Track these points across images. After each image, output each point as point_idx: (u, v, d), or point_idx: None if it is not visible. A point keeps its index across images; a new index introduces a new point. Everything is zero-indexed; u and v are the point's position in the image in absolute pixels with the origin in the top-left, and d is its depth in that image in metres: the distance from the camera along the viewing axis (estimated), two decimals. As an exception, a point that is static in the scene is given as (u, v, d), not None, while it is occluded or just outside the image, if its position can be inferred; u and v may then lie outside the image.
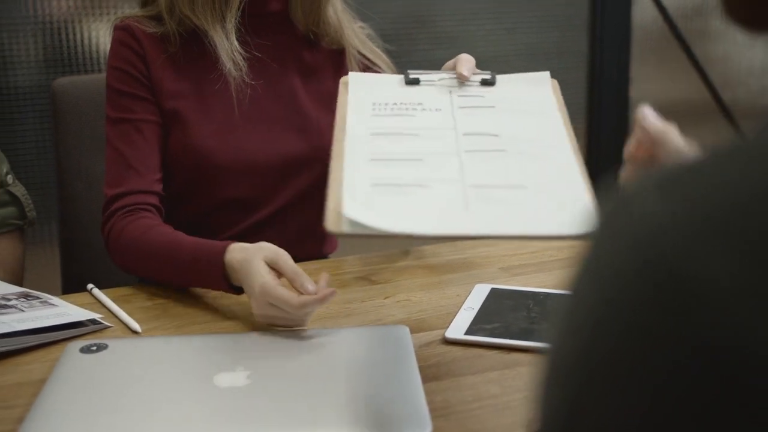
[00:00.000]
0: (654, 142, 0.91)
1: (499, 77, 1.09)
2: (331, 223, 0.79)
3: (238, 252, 1.12)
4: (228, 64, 1.29)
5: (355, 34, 1.39)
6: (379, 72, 1.39)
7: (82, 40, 2.12)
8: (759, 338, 0.28)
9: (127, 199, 1.29)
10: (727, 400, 0.29)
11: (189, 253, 1.18)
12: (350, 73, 1.05)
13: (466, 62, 1.08)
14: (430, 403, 0.90)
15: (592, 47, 2.43)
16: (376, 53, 1.40)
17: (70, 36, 2.11)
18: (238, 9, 1.29)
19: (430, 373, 0.98)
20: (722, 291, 0.29)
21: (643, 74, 2.50)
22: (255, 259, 1.07)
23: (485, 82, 1.07)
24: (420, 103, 1.01)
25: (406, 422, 0.86)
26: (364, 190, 0.85)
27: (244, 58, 1.30)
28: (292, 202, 1.39)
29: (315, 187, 1.41)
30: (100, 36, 2.12)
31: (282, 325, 1.07)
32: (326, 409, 0.89)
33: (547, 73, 1.10)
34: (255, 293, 1.06)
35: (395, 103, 1.01)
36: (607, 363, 0.32)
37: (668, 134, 0.91)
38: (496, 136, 0.97)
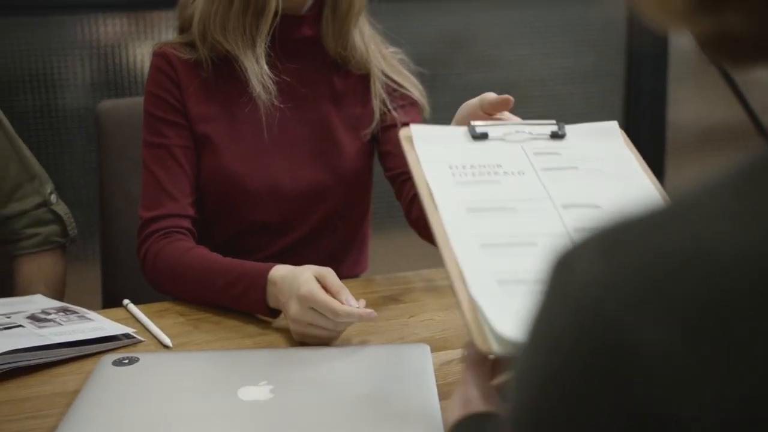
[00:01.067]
0: None
1: (567, 128, 1.01)
2: (479, 342, 0.73)
3: (282, 269, 1.16)
4: (258, 88, 1.33)
5: (383, 57, 1.42)
6: (408, 94, 1.42)
7: (127, 64, 2.19)
8: (687, 410, 0.29)
9: (162, 223, 1.34)
10: None
11: (228, 274, 1.22)
12: (411, 126, 0.97)
13: (504, 104, 1.04)
14: (445, 420, 0.92)
15: (629, 70, 2.44)
16: (404, 76, 1.43)
17: (117, 60, 2.18)
18: (268, 34, 1.33)
19: (448, 391, 1.00)
20: (654, 361, 0.30)
21: (680, 97, 2.50)
22: (305, 271, 1.12)
23: (554, 135, 0.99)
24: (499, 165, 0.94)
25: (421, 437, 0.89)
26: (493, 291, 0.78)
27: (274, 82, 1.34)
28: (320, 226, 1.43)
29: (343, 211, 1.44)
30: (145, 60, 2.19)
31: (313, 336, 1.10)
32: (345, 424, 0.92)
33: (615, 124, 1.03)
34: (299, 296, 1.09)
35: (473, 166, 0.93)
36: (550, 423, 0.33)
37: None
38: (598, 207, 0.91)
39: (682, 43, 2.47)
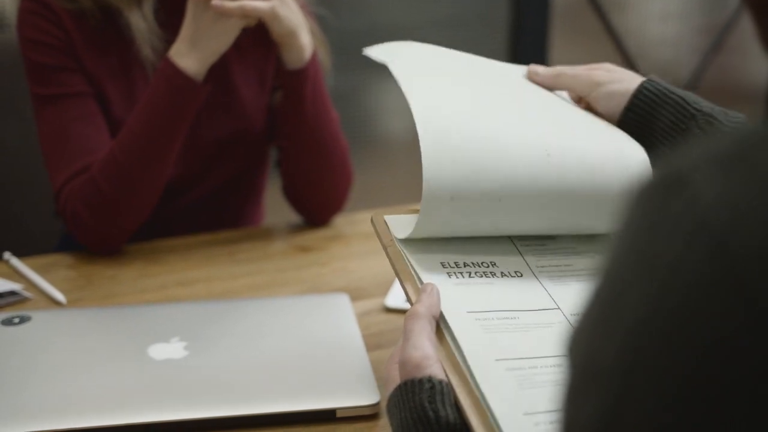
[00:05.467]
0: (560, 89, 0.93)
1: None
2: None
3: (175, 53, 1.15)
4: (144, 50, 1.19)
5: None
6: None
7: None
8: None
9: (82, 176, 1.18)
10: None
11: (140, 111, 1.15)
12: (385, 216, 0.82)
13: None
14: (374, 371, 0.87)
15: (512, 15, 2.43)
16: (315, 35, 1.28)
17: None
18: None
19: (372, 342, 0.95)
20: None
21: (562, 43, 2.51)
22: None
23: None
24: (493, 263, 0.83)
25: (352, 392, 0.84)
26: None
27: (164, 41, 1.19)
28: (223, 184, 1.34)
29: (246, 167, 1.35)
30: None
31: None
32: (274, 380, 0.85)
33: None
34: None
35: (466, 264, 0.82)
36: (656, 364, 0.29)
37: (562, 77, 0.92)
38: None
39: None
